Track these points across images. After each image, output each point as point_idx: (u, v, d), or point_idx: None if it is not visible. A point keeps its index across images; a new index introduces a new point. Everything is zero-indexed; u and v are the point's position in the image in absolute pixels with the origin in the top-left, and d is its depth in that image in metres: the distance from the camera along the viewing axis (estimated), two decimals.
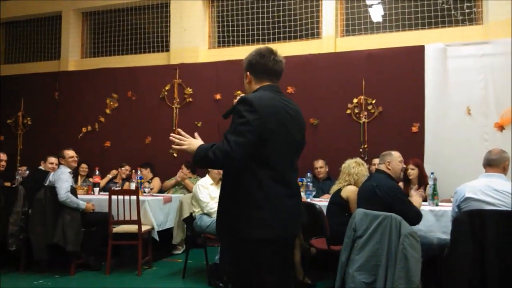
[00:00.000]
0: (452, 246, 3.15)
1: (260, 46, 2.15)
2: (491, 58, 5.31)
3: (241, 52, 6.68)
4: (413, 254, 3.02)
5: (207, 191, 4.51)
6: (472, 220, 3.04)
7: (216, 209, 4.18)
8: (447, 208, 3.62)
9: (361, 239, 3.28)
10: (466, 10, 5.85)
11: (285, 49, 6.53)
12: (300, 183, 4.85)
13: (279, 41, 6.69)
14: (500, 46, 5.28)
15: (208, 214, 4.35)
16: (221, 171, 4.65)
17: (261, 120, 1.88)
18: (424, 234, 3.57)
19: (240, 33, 6.90)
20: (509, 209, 3.00)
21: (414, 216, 3.25)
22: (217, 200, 4.33)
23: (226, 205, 2.00)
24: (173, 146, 2.02)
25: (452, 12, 5.92)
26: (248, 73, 2.10)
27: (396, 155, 3.53)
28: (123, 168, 6.25)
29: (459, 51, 5.46)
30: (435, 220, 3.65)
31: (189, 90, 6.73)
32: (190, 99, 6.73)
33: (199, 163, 1.98)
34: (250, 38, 6.85)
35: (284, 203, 1.96)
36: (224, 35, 7.03)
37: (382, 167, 3.53)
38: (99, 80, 7.16)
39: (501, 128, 5.19)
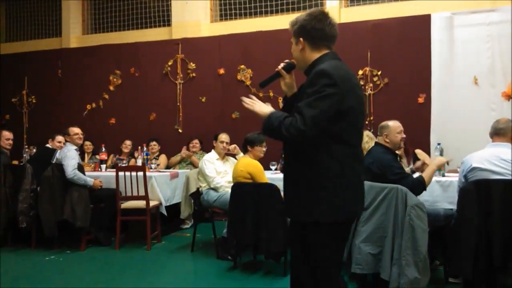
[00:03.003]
0: (458, 216, 3.17)
1: (312, 9, 1.98)
2: (498, 26, 5.20)
3: (243, 26, 6.60)
4: (419, 225, 3.03)
5: (213, 166, 4.52)
6: (478, 190, 3.04)
7: (222, 183, 4.32)
8: (454, 178, 3.62)
9: (367, 211, 3.29)
10: None
11: (288, 21, 6.40)
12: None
13: (282, 13, 6.57)
14: (507, 14, 5.16)
15: (215, 189, 4.38)
16: (227, 147, 4.72)
17: (341, 94, 1.75)
18: (431, 204, 3.58)
19: (242, 6, 6.78)
20: None
21: (411, 185, 3.20)
22: (223, 175, 4.47)
23: (297, 184, 1.85)
24: (244, 105, 1.95)
25: None
26: (301, 39, 1.91)
27: (393, 126, 3.41)
28: (125, 144, 6.24)
29: (466, 20, 5.35)
30: (442, 191, 3.66)
31: (192, 65, 6.68)
32: (194, 74, 6.68)
33: (269, 133, 1.84)
34: (252, 10, 6.74)
35: (359, 182, 1.90)
36: (226, 8, 6.92)
37: (380, 139, 3.49)
38: (101, 56, 7.11)
39: (508, 97, 5.14)
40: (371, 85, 5.75)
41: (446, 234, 3.35)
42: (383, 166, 3.28)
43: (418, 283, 2.98)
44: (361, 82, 5.79)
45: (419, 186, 3.24)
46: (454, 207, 3.30)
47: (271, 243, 3.61)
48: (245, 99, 1.95)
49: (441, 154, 4.03)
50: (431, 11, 5.54)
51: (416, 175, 3.36)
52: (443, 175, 3.92)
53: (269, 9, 6.64)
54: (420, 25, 5.47)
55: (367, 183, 3.32)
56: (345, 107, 1.77)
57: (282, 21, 6.41)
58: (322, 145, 1.78)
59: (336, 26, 1.93)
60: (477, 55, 5.24)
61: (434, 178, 3.79)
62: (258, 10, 6.70)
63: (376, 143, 3.57)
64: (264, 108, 1.88)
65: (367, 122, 5.68)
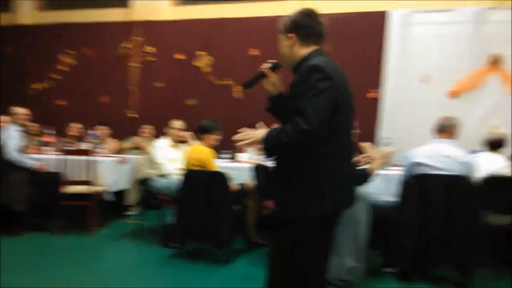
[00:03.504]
0: (399, 208, 3.24)
1: (303, 7, 1.94)
2: (452, 26, 5.35)
3: (206, 11, 6.48)
4: (361, 217, 3.09)
5: (164, 152, 4.44)
6: (420, 184, 3.13)
7: (172, 170, 4.24)
8: (397, 172, 3.69)
9: None
10: None
11: (251, 10, 6.37)
12: (258, 146, 4.83)
13: (246, 1, 6.49)
14: (461, 15, 5.32)
15: (164, 176, 4.30)
16: (180, 133, 4.63)
17: (335, 87, 1.73)
18: (374, 197, 3.64)
19: None
20: (455, 173, 3.09)
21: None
22: (174, 161, 4.38)
23: (290, 180, 1.80)
24: (239, 144, 1.85)
25: None
26: (291, 34, 1.89)
27: None
28: (72, 126, 6.00)
29: (422, 18, 5.47)
30: (385, 184, 3.72)
31: (149, 49, 6.51)
32: (151, 58, 6.52)
33: (272, 149, 1.77)
34: None
35: (351, 175, 1.89)
36: None
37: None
38: (54, 35, 6.82)
39: (454, 95, 5.30)
40: None
41: (387, 225, 3.42)
42: None
43: (357, 272, 3.04)
44: None
45: (362, 177, 3.28)
46: (396, 199, 3.37)
47: (217, 230, 3.61)
48: (236, 137, 1.84)
49: None
50: (389, 7, 5.62)
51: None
52: (388, 169, 4.00)
53: None
54: (376, 21, 5.55)
55: None
56: (340, 101, 1.75)
57: (246, 9, 6.36)
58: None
59: (325, 25, 1.93)
60: (428, 53, 5.37)
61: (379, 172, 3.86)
62: None
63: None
64: (259, 135, 1.80)
65: None
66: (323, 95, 1.68)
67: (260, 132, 1.80)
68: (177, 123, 4.68)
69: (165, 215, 4.31)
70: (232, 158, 4.86)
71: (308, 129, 1.63)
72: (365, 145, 4.43)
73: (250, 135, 1.81)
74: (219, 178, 3.69)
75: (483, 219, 3.16)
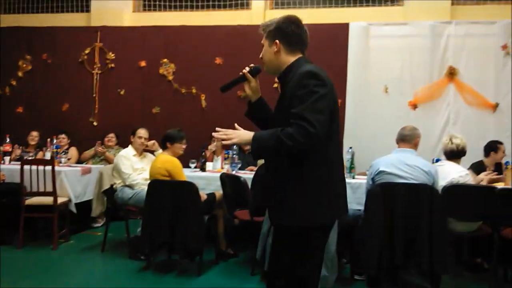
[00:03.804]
0: (365, 217, 3.35)
1: (287, 14, 1.93)
2: (409, 39, 5.59)
3: (168, 18, 6.45)
4: None
5: (129, 162, 4.36)
6: (384, 192, 3.24)
7: (138, 180, 4.18)
8: (363, 180, 3.82)
9: None
10: None
11: (214, 18, 6.40)
12: (226, 155, 4.87)
13: (208, 9, 6.52)
14: (418, 28, 5.57)
15: (130, 186, 4.23)
16: (145, 142, 4.57)
17: (330, 93, 1.74)
18: None
19: None
20: (418, 182, 3.23)
21: None
22: (140, 171, 4.33)
23: (286, 188, 1.77)
24: (223, 142, 1.78)
25: None
26: (277, 41, 1.88)
27: None
28: (31, 135, 5.77)
29: (381, 31, 5.68)
30: (351, 192, 3.84)
31: (111, 55, 6.39)
32: (112, 65, 6.40)
33: (265, 153, 1.77)
34: (177, 3, 6.60)
35: (343, 181, 1.89)
36: None
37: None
38: (10, 39, 6.53)
39: (414, 106, 5.55)
40: None
41: (353, 233, 3.53)
42: None
43: (327, 281, 3.10)
44: None
45: None
46: (362, 207, 3.48)
47: (188, 241, 3.59)
48: (217, 135, 1.79)
49: (352, 158, 4.24)
50: (350, 20, 5.80)
51: None
52: (353, 177, 4.12)
53: (194, 3, 6.54)
54: (339, 33, 5.71)
55: None
56: (333, 107, 1.77)
57: (208, 18, 6.37)
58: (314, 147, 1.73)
59: (308, 33, 1.94)
60: (388, 64, 5.58)
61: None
62: (183, 3, 6.58)
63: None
64: (244, 135, 1.76)
65: None
66: (322, 100, 1.69)
67: (245, 133, 1.77)
68: (142, 132, 4.62)
69: (132, 226, 4.24)
70: (200, 167, 4.85)
71: (314, 132, 1.63)
72: None
73: (234, 135, 1.76)
74: (188, 187, 3.68)
75: (447, 227, 3.32)
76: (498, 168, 4.41)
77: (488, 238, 3.43)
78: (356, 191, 3.89)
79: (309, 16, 6.07)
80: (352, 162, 4.35)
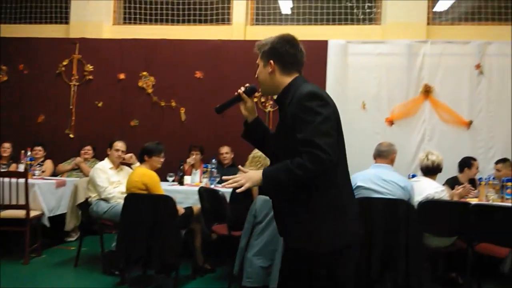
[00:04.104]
0: None
1: (282, 34, 1.90)
2: (386, 57, 5.71)
3: (148, 31, 6.44)
4: None
5: (106, 175, 4.30)
6: (361, 207, 3.24)
7: (115, 194, 4.11)
8: None
9: (261, 224, 3.37)
10: (367, 10, 6.23)
11: (194, 32, 6.42)
12: (204, 169, 4.84)
13: (189, 24, 6.54)
14: (395, 47, 5.71)
15: (106, 200, 4.15)
16: (122, 155, 4.51)
17: (334, 112, 1.71)
18: None
19: (148, 11, 6.62)
20: (394, 197, 3.27)
21: None
22: (116, 184, 4.26)
23: (300, 212, 1.71)
24: (237, 191, 1.70)
25: (355, 10, 6.26)
26: (271, 62, 1.84)
27: None
28: (3, 147, 5.61)
29: (359, 49, 5.79)
30: None
31: (89, 67, 6.32)
32: (91, 77, 6.32)
33: (280, 189, 1.72)
34: (158, 17, 6.61)
35: (356, 200, 1.85)
36: (131, 11, 6.69)
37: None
38: None
39: (390, 123, 5.64)
40: (271, 102, 5.93)
41: None
42: None
43: None
44: (262, 99, 5.96)
45: None
46: None
47: (164, 256, 3.53)
48: (227, 184, 1.73)
49: None
50: (328, 37, 5.90)
51: None
52: None
53: (175, 18, 6.56)
54: (318, 50, 5.78)
55: (261, 197, 3.42)
56: (338, 123, 1.75)
57: (188, 32, 6.39)
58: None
59: (304, 52, 1.89)
60: (366, 82, 5.68)
61: None
62: (165, 17, 6.59)
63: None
64: (254, 177, 1.70)
65: None
66: (328, 121, 1.65)
67: (254, 174, 1.71)
68: (119, 144, 4.56)
69: (107, 241, 4.15)
70: (178, 181, 4.80)
71: (328, 158, 1.59)
72: None
73: (244, 179, 1.70)
74: (165, 201, 3.63)
75: (423, 242, 3.35)
76: (472, 184, 4.50)
77: (463, 253, 3.48)
78: None
79: (289, 32, 6.16)
80: None
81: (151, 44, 6.25)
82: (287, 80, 1.85)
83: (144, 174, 3.84)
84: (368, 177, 3.40)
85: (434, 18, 6.13)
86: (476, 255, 3.43)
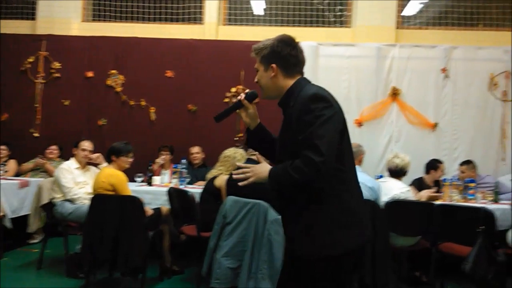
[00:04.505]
0: None
1: (281, 35, 1.87)
2: (356, 59, 5.79)
3: (119, 29, 6.32)
4: (277, 240, 3.16)
5: (71, 175, 4.19)
6: None
7: (80, 195, 4.01)
8: None
9: (230, 225, 3.34)
10: (338, 13, 6.31)
11: (166, 31, 6.35)
12: (174, 170, 4.79)
13: (160, 22, 6.47)
14: (364, 49, 5.79)
15: (71, 200, 4.05)
16: (89, 155, 4.41)
17: (338, 113, 1.69)
18: None
19: (117, 9, 6.50)
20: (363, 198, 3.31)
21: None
22: (82, 185, 4.15)
23: (306, 217, 1.69)
24: (239, 184, 1.70)
25: (326, 13, 6.33)
26: (273, 65, 1.80)
27: None
28: None
29: (329, 51, 5.85)
30: None
31: (56, 65, 6.15)
32: (58, 75, 6.16)
33: (280, 189, 1.75)
34: (128, 15, 6.51)
35: (363, 203, 1.81)
36: (100, 8, 6.57)
37: (254, 157, 3.62)
38: None
39: (360, 124, 5.73)
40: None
41: None
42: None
43: None
44: (233, 100, 5.93)
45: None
46: None
47: (131, 258, 3.46)
48: (237, 176, 1.72)
49: None
50: (300, 39, 5.90)
51: None
52: None
53: (146, 16, 6.47)
54: None
55: (231, 198, 3.40)
56: (342, 127, 1.72)
57: (159, 30, 6.32)
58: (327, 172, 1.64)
59: (303, 52, 1.87)
60: (336, 84, 5.73)
61: None
62: (136, 15, 6.50)
63: (249, 158, 3.69)
64: (261, 173, 1.70)
65: (236, 138, 5.82)
66: (330, 123, 1.63)
67: (262, 170, 1.70)
68: (86, 144, 4.45)
69: (71, 242, 4.05)
70: (146, 181, 4.73)
71: (321, 160, 1.57)
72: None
73: (251, 173, 1.70)
74: (133, 202, 3.57)
75: (389, 241, 3.41)
76: (437, 185, 4.62)
77: (427, 252, 3.55)
78: None
79: (261, 33, 6.15)
80: None
81: (121, 42, 6.14)
82: (290, 82, 1.82)
83: (111, 174, 3.76)
84: None
85: (402, 22, 6.28)
86: (440, 254, 3.52)
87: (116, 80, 6.12)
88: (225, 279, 3.20)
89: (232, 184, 3.68)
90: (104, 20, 6.53)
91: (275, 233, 3.16)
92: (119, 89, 6.10)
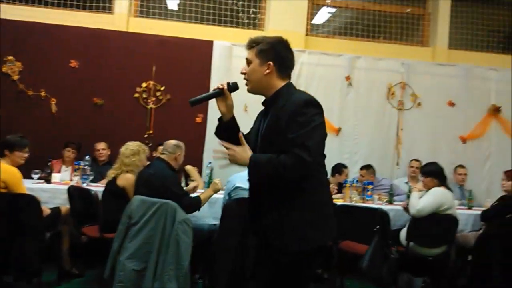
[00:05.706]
0: (220, 231, 3.41)
1: (277, 36, 1.93)
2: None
3: (18, 12, 5.78)
4: (185, 240, 3.14)
5: None
6: (239, 207, 3.34)
7: None
8: (220, 196, 3.89)
9: (136, 226, 3.25)
10: (252, 15, 6.40)
11: (72, 18, 5.94)
12: (76, 166, 4.53)
13: (65, 8, 6.04)
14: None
15: None
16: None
17: (323, 122, 1.79)
18: (197, 220, 3.75)
19: None
20: None
21: (188, 205, 3.37)
22: None
23: (285, 213, 1.77)
24: (218, 166, 1.76)
25: (240, 14, 6.39)
26: (271, 63, 1.85)
27: (184, 148, 3.66)
28: None
29: (243, 52, 5.86)
30: (208, 207, 3.88)
31: None
32: None
33: (259, 179, 1.82)
34: None
35: (332, 201, 1.99)
36: None
37: (165, 157, 3.56)
38: None
39: None
40: (153, 99, 5.76)
41: (208, 248, 3.55)
42: (167, 181, 3.38)
43: None
44: (144, 95, 5.75)
45: (196, 205, 3.45)
46: (218, 222, 3.53)
47: (25, 261, 3.21)
48: (219, 150, 1.79)
49: (211, 172, 4.29)
50: (214, 38, 5.94)
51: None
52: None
53: (51, 0, 5.99)
54: (203, 49, 5.80)
55: (138, 198, 3.30)
56: (326, 134, 1.82)
57: (65, 17, 5.89)
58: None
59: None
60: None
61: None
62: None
63: (158, 158, 3.63)
64: (240, 159, 1.77)
65: (146, 135, 5.64)
66: (320, 129, 1.75)
67: (242, 155, 1.77)
68: None
69: None
70: (44, 178, 4.39)
71: (310, 161, 1.67)
72: (189, 168, 4.58)
73: (231, 156, 1.77)
74: (27, 201, 3.32)
75: None
76: (340, 187, 4.91)
77: (328, 250, 3.75)
78: (213, 206, 3.95)
79: (173, 29, 6.07)
80: (210, 177, 4.40)
81: (20, 26, 5.63)
82: (280, 83, 1.88)
83: (4, 170, 3.45)
84: (246, 178, 3.48)
85: (312, 30, 6.56)
86: (340, 252, 3.74)
87: (12, 67, 5.60)
88: (129, 282, 3.13)
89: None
90: (1, 1, 5.94)
91: (183, 233, 3.14)
92: (15, 77, 5.58)
